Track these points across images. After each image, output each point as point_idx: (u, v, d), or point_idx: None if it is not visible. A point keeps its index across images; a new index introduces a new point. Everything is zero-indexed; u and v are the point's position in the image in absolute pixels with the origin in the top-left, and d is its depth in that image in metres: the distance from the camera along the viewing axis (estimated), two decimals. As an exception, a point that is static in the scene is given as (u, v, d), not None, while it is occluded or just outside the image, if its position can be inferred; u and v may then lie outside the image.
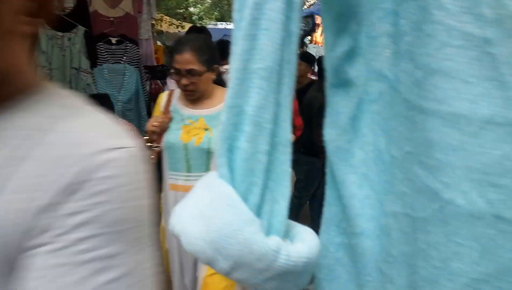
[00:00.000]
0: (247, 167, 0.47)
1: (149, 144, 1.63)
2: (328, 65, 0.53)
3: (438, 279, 0.41)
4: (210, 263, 0.46)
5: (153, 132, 1.59)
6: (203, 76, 1.51)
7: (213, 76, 1.55)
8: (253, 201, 0.48)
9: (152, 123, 1.58)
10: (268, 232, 0.48)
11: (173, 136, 1.58)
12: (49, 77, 3.04)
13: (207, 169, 1.55)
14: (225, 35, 5.27)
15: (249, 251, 0.45)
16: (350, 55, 0.49)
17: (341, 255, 0.53)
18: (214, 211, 0.46)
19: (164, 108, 1.66)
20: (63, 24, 3.06)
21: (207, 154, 1.52)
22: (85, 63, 3.14)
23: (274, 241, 0.47)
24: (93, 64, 3.21)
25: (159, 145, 1.60)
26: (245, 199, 0.47)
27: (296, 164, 3.11)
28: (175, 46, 1.55)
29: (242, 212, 0.46)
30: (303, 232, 0.53)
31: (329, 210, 0.55)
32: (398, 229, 0.46)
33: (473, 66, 0.38)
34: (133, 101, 3.38)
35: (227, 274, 0.46)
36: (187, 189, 1.46)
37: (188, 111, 1.61)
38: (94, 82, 3.20)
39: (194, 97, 1.56)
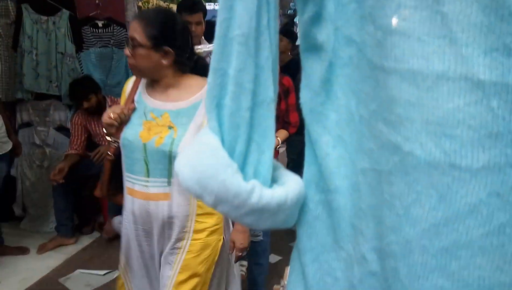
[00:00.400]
0: (232, 122, 0.55)
1: (108, 138, 1.44)
2: (300, 30, 0.56)
3: (401, 226, 0.45)
4: (199, 197, 0.55)
5: (110, 125, 1.36)
6: (143, 50, 1.27)
7: (163, 60, 1.29)
8: (239, 151, 0.55)
9: (109, 114, 1.34)
10: (254, 178, 0.56)
11: (132, 133, 1.35)
12: (36, 62, 3.02)
13: (169, 175, 1.33)
14: (213, 16, 5.23)
15: (225, 190, 0.53)
16: (317, 20, 0.52)
17: (320, 211, 0.57)
18: (199, 157, 0.55)
19: (128, 96, 1.43)
20: (47, 8, 3.01)
21: (169, 158, 1.31)
22: (70, 48, 3.10)
23: (250, 183, 0.54)
24: (80, 48, 3.18)
25: (118, 141, 1.40)
26: (232, 148, 0.55)
27: (288, 144, 3.05)
28: None
29: (221, 158, 0.54)
30: (291, 180, 0.59)
31: (309, 170, 0.59)
32: (366, 184, 0.49)
33: (426, 25, 0.40)
34: (122, 85, 3.37)
35: (213, 207, 0.55)
36: (146, 197, 1.35)
37: (153, 103, 1.37)
38: (81, 67, 3.18)
39: (137, 75, 1.37)
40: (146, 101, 1.38)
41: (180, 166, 0.56)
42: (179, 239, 1.39)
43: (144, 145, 1.32)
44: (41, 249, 2.82)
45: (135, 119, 1.38)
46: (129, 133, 1.36)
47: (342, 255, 0.54)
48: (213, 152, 0.54)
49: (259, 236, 2.17)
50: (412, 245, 0.44)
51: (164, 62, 1.30)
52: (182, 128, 1.32)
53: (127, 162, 1.38)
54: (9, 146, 2.57)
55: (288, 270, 1.61)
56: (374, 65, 0.46)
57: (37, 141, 3.11)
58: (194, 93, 1.34)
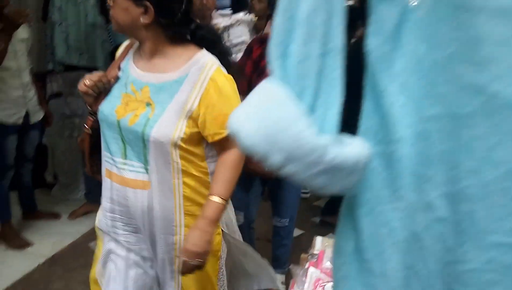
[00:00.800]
0: (299, 71, 0.51)
1: (88, 107, 1.25)
2: None
3: (481, 169, 0.44)
4: (264, 157, 0.50)
5: (85, 94, 1.19)
6: (122, 0, 1.10)
7: (141, 18, 1.09)
8: (306, 105, 0.52)
9: (85, 81, 1.17)
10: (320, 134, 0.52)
11: (108, 106, 1.18)
12: (66, 34, 3.04)
13: (145, 161, 1.15)
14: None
15: (298, 145, 0.49)
16: None
17: (376, 164, 0.57)
18: (267, 109, 0.50)
19: (114, 62, 1.26)
20: (75, -21, 3.02)
21: (142, 141, 1.13)
22: (100, 19, 3.11)
23: (324, 138, 0.51)
24: (108, 20, 3.19)
25: (96, 112, 1.22)
26: (298, 102, 0.51)
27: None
28: None
29: (292, 110, 0.50)
30: (355, 141, 0.56)
31: (366, 122, 0.58)
32: (437, 130, 0.49)
33: None
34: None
35: (280, 168, 0.50)
36: (123, 182, 1.18)
37: (135, 73, 1.19)
38: (110, 38, 3.19)
39: (115, 29, 1.17)
40: (130, 69, 1.20)
41: (241, 121, 0.52)
42: (169, 234, 1.21)
43: (118, 122, 1.15)
44: (72, 215, 2.91)
45: (116, 90, 1.20)
46: (105, 107, 1.18)
47: (400, 205, 0.54)
48: (283, 103, 0.50)
49: (285, 221, 2.12)
50: (492, 187, 0.44)
51: (143, 20, 1.10)
52: (161, 106, 1.13)
53: (104, 139, 1.21)
54: (41, 115, 2.63)
55: (317, 240, 1.61)
56: (456, 6, 0.45)
57: (67, 112, 3.17)
58: (181, 64, 1.15)
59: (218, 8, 2.46)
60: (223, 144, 1.18)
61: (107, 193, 1.24)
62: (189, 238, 1.15)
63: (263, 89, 0.53)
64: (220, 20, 2.30)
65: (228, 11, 2.77)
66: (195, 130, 1.16)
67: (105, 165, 1.23)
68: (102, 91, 1.20)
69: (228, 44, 2.31)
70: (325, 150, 0.50)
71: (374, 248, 0.58)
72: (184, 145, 1.15)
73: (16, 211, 2.67)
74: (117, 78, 1.21)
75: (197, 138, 1.18)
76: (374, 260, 0.58)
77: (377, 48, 0.54)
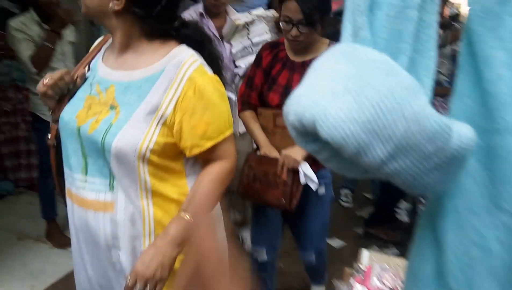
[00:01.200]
0: (393, 28, 0.39)
1: (50, 113, 1.08)
2: None
3: None
4: (361, 151, 0.35)
5: (45, 95, 1.01)
6: None
7: (111, 3, 0.92)
8: None
9: (44, 80, 1.00)
10: None
11: (70, 111, 0.99)
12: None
13: (110, 176, 0.95)
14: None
15: (419, 129, 0.35)
16: None
17: (472, 161, 0.44)
18: (366, 83, 0.35)
19: (83, 60, 1.07)
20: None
21: (103, 152, 0.93)
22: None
23: (446, 118, 0.37)
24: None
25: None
26: None
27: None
28: None
29: (406, 80, 0.36)
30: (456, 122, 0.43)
31: (460, 102, 0.45)
32: None
33: None
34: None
35: (381, 165, 0.36)
36: (83, 204, 0.98)
37: (102, 71, 1.01)
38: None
39: (84, 13, 0.98)
40: (99, 68, 1.02)
41: (325, 102, 0.35)
42: None
43: (78, 129, 0.96)
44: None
45: (81, 92, 1.02)
46: (66, 112, 1.00)
47: (503, 219, 0.42)
48: (389, 72, 0.36)
49: (311, 255, 1.86)
50: None
51: (112, 6, 0.93)
52: (127, 109, 0.93)
53: (64, 151, 1.02)
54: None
55: (363, 253, 1.47)
56: None
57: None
58: (155, 60, 0.96)
59: (251, 7, 2.31)
60: (206, 158, 0.98)
61: (70, 217, 1.04)
62: (140, 256, 0.92)
63: (348, 58, 0.38)
64: (240, 15, 2.15)
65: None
66: (170, 140, 0.95)
67: (66, 183, 1.04)
68: (65, 92, 1.02)
69: (248, 42, 2.16)
70: (449, 134, 0.36)
71: (462, 273, 0.46)
72: (155, 160, 0.94)
73: (61, 210, 2.72)
74: (84, 78, 1.03)
75: (173, 151, 0.97)
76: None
77: (481, 1, 0.42)
